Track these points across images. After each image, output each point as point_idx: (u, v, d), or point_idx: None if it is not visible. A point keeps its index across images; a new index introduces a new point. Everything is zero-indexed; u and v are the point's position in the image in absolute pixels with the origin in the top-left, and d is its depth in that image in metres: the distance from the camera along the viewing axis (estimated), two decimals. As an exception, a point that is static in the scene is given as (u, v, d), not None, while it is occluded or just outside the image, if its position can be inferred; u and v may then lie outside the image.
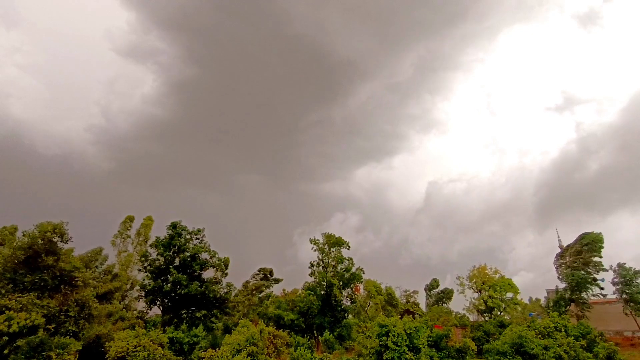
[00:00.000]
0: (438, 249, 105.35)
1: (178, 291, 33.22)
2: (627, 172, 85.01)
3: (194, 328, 30.20)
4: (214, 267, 36.14)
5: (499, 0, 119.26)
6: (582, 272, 43.96)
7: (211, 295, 34.93)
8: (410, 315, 49.68)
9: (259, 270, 51.04)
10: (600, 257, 44.98)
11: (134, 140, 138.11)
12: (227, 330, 30.16)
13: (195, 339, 28.55)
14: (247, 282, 49.27)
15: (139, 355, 22.26)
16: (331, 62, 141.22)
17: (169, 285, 33.00)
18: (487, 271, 42.71)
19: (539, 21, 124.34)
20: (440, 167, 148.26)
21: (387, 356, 14.62)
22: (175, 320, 32.95)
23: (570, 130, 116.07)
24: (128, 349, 22.33)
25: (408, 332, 15.44)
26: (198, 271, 35.08)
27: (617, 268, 44.79)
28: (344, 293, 42.81)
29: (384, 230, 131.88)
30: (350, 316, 45.49)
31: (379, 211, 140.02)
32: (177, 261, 34.64)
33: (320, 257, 42.20)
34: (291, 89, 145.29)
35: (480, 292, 42.36)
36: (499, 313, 41.45)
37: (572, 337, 17.82)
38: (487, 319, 41.06)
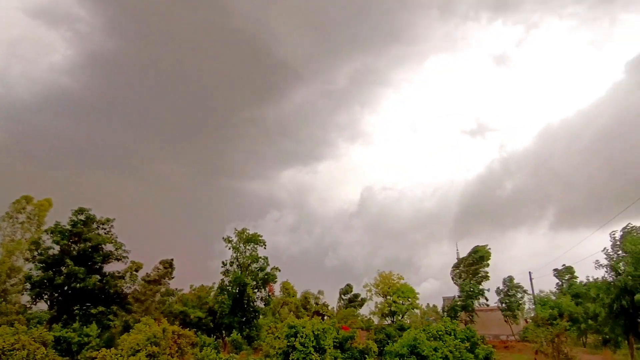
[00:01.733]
0: (364, 254, 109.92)
1: (72, 285, 30.01)
2: (533, 194, 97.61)
3: (85, 326, 27.64)
4: (118, 259, 33.40)
5: (429, 29, 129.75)
6: (472, 282, 49.39)
7: (112, 291, 32.25)
8: (320, 317, 51.03)
9: (160, 263, 45.11)
10: (487, 269, 50.92)
11: (37, 111, 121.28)
12: (127, 329, 28.10)
13: (86, 339, 26.16)
14: (148, 274, 43.47)
15: (16, 355, 19.74)
16: (270, 61, 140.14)
17: (62, 277, 29.68)
18: (392, 278, 45.62)
19: (461, 54, 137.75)
20: (364, 176, 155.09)
21: (293, 357, 14.94)
22: (65, 316, 29.76)
23: (491, 152, 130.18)
24: (4, 347, 19.69)
25: (316, 333, 15.94)
26: (100, 264, 32.18)
27: (507, 280, 51.21)
28: (258, 293, 42.48)
29: (314, 232, 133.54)
30: (263, 317, 45.25)
31: (303, 213, 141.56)
32: (75, 251, 31.33)
33: (235, 256, 41.39)
34: (225, 82, 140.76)
35: (385, 297, 45.11)
36: (400, 317, 44.55)
37: (459, 340, 19.94)
38: (389, 322, 43.85)
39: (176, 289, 44.27)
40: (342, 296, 72.35)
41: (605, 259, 28.50)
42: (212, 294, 41.79)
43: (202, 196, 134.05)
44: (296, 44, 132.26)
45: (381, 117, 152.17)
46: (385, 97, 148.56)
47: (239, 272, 40.81)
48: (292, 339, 15.26)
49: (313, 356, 15.06)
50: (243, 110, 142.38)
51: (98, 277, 31.36)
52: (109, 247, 33.04)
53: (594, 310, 32.74)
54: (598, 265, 28.88)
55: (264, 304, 42.97)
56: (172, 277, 44.29)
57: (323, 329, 16.23)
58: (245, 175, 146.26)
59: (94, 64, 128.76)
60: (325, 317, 57.00)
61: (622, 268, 27.07)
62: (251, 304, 40.76)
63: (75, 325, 27.61)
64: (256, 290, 41.53)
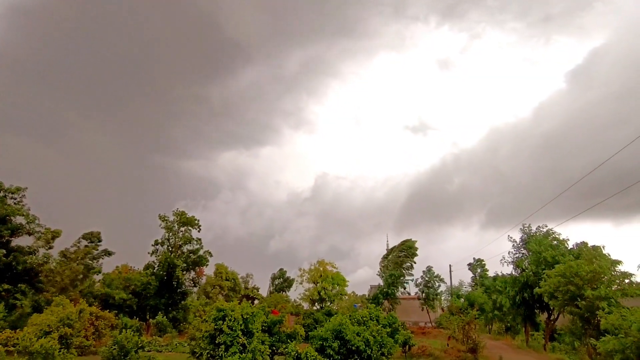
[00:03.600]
0: (311, 239, 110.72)
1: (-27, 259, 26.91)
2: (475, 192, 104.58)
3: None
4: (30, 234, 30.42)
5: (381, 26, 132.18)
6: (397, 272, 52.47)
7: (20, 267, 29.38)
8: (250, 301, 50.99)
9: (83, 237, 36.05)
10: (414, 261, 54.41)
11: None
12: (38, 309, 25.89)
13: (-13, 319, 23.69)
14: (67, 249, 35.30)
15: None
16: (219, 38, 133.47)
17: (-41, 251, 26.44)
18: (326, 265, 46.95)
19: (409, 53, 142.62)
20: (312, 164, 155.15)
21: (220, 340, 14.85)
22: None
23: (437, 150, 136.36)
24: None
25: (245, 317, 15.95)
26: (7, 237, 29.08)
27: (426, 271, 54.82)
28: (187, 275, 41.37)
29: (259, 216, 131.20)
30: (191, 299, 44.17)
31: (250, 196, 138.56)
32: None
33: (167, 236, 39.87)
34: (168, 53, 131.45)
35: (317, 284, 46.35)
36: (328, 304, 46.11)
37: (381, 326, 21.22)
38: (318, 308, 45.19)
39: (99, 267, 41.33)
40: (274, 281, 72.85)
41: (510, 256, 32.05)
42: (138, 275, 39.85)
43: (134, 172, 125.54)
44: (249, 23, 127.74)
45: (326, 108, 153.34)
46: (332, 88, 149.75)
47: (169, 252, 39.36)
48: (220, 322, 15.14)
49: (240, 339, 15.10)
50: (185, 85, 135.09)
51: (4, 251, 28.37)
52: (19, 220, 29.98)
53: (500, 301, 36.58)
54: (504, 261, 32.41)
55: (193, 285, 42.07)
56: (98, 254, 40.98)
57: (252, 312, 16.29)
58: (182, 154, 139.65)
59: (15, 13, 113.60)
60: (256, 301, 57.14)
61: (526, 265, 30.49)
62: (180, 285, 39.63)
63: (-26, 303, 24.85)
64: (185, 272, 40.46)
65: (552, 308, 27.61)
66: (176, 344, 27.51)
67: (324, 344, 15.40)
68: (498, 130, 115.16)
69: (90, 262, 35.51)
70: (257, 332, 16.26)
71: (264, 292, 69.51)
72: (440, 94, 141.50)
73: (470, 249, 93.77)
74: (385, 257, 54.73)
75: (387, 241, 57.50)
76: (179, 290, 39.48)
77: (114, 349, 16.64)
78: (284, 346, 20.20)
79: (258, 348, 15.46)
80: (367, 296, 64.33)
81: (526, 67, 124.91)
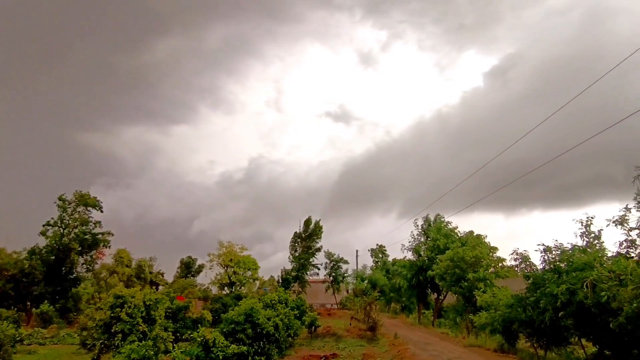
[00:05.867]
0: (238, 223, 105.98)
1: None
2: (398, 180, 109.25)
3: None
4: None
5: (307, 11, 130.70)
6: (306, 255, 53.98)
7: None
8: (154, 287, 48.25)
9: None
10: (319, 241, 55.53)
11: None
12: None
13: None
14: None
15: None
16: (133, 2, 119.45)
17: None
18: (234, 248, 46.29)
19: (333, 46, 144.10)
20: (223, 146, 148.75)
21: (117, 328, 13.85)
22: None
23: (363, 138, 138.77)
24: None
25: (147, 303, 15.08)
26: None
27: (331, 255, 57.19)
28: (82, 260, 37.61)
29: (172, 198, 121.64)
30: (84, 286, 40.21)
31: (150, 175, 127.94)
32: None
33: (62, 216, 35.71)
34: (69, 15, 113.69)
35: (227, 268, 45.58)
36: (238, 288, 45.75)
37: (289, 308, 21.82)
38: (228, 292, 44.57)
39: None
40: (183, 266, 69.96)
41: (409, 243, 35.42)
42: (19, 259, 35.03)
43: (25, 143, 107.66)
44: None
45: (246, 89, 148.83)
46: (253, 69, 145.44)
47: (61, 234, 35.31)
48: (118, 309, 14.08)
49: (141, 327, 14.25)
50: (90, 51, 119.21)
51: None
52: None
53: (398, 284, 40.10)
54: (404, 248, 35.78)
55: (87, 270, 38.46)
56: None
57: (156, 299, 15.45)
58: (80, 126, 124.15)
59: None
60: (160, 287, 54.29)
61: (423, 251, 33.83)
62: (72, 271, 35.93)
63: None
64: (80, 257, 36.81)
65: (441, 289, 31.08)
66: (64, 335, 24.95)
67: (236, 327, 15.29)
68: (423, 122, 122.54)
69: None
70: (160, 319, 15.51)
71: (171, 277, 66.38)
72: (362, 85, 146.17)
73: (385, 235, 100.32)
74: (294, 241, 55.76)
75: (300, 225, 58.55)
76: (70, 276, 35.74)
77: (-16, 343, 14.50)
78: (189, 332, 19.64)
79: (160, 335, 14.77)
80: (278, 279, 65.25)
81: (443, 69, 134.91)
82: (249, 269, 46.48)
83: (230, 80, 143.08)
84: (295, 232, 55.50)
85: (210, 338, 14.19)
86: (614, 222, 11.70)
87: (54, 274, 34.55)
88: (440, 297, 33.48)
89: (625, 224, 11.31)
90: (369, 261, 64.59)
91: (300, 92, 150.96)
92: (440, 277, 26.81)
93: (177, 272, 69.93)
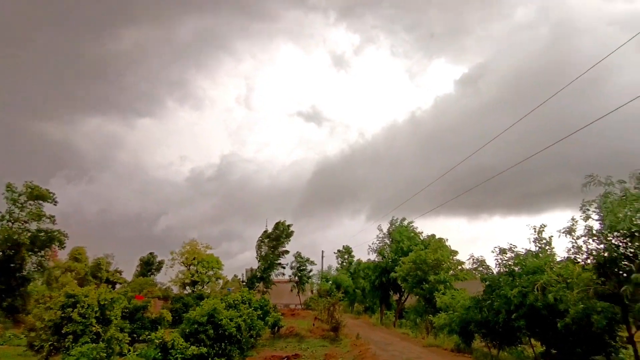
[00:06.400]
0: (207, 221, 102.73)
1: None
2: (373, 182, 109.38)
3: None
4: None
5: (282, 10, 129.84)
6: (272, 255, 53.58)
7: None
8: (110, 286, 46.15)
9: None
10: (286, 244, 55.43)
11: None
12: None
13: None
14: None
15: None
16: None
17: None
18: (198, 247, 45.26)
19: (306, 47, 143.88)
20: (192, 141, 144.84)
21: (68, 329, 13.15)
22: None
23: (335, 139, 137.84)
24: None
25: (102, 303, 14.42)
26: None
27: (297, 255, 57.07)
28: (33, 257, 35.43)
29: (145, 194, 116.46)
30: (34, 285, 37.93)
31: (112, 169, 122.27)
32: None
33: (10, 210, 33.42)
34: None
35: (189, 267, 44.45)
36: (201, 287, 44.70)
37: (253, 308, 21.59)
38: (189, 292, 43.46)
39: None
40: (143, 264, 67.50)
41: (374, 245, 36.02)
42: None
43: None
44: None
45: (216, 84, 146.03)
46: (224, 64, 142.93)
47: (10, 229, 33.08)
48: (69, 309, 13.37)
49: (94, 328, 13.60)
50: (51, 38, 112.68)
51: None
52: None
53: (362, 285, 40.65)
54: (370, 250, 36.36)
55: (36, 270, 36.31)
56: None
57: (112, 298, 14.79)
58: (37, 114, 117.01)
59: None
60: (117, 286, 52.12)
61: (387, 253, 34.48)
62: (20, 269, 33.78)
63: None
64: (32, 253, 34.68)
65: (403, 290, 31.80)
66: (10, 336, 23.45)
67: (198, 328, 14.91)
68: (395, 126, 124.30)
69: None
70: (116, 319, 14.87)
71: (131, 275, 63.85)
72: (334, 86, 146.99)
73: (353, 237, 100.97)
74: (261, 240, 55.19)
75: (267, 225, 57.98)
76: (18, 274, 33.58)
77: None
78: (147, 333, 18.99)
79: (115, 336, 14.17)
80: (243, 279, 64.34)
81: (414, 75, 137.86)
82: (212, 268, 45.54)
83: (200, 74, 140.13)
84: (265, 231, 54.89)
85: (169, 339, 13.77)
86: (563, 232, 12.40)
87: (0, 271, 32.34)
88: (402, 298, 34.24)
89: (573, 233, 12.01)
90: (335, 262, 64.98)
91: (271, 90, 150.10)
92: (402, 279, 27.43)
93: (137, 270, 67.46)
